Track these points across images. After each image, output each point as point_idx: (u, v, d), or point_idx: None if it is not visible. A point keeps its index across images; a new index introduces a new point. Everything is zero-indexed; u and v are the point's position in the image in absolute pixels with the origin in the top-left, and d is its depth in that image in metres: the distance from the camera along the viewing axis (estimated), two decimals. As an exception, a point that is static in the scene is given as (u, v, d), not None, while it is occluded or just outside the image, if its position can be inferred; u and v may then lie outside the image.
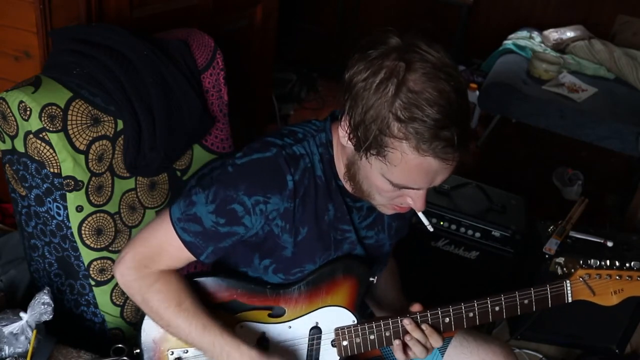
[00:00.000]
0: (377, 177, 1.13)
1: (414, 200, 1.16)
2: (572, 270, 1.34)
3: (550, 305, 1.34)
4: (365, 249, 1.36)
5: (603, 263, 1.34)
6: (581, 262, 1.35)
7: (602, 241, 2.20)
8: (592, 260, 1.35)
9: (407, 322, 1.31)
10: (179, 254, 1.23)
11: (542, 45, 3.99)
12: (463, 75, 4.97)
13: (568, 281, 1.33)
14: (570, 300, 1.34)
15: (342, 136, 1.16)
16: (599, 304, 1.36)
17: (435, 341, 1.31)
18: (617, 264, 1.35)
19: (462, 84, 1.06)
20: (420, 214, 1.25)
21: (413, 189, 1.14)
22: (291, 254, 1.28)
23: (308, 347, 1.36)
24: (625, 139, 3.26)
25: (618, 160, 3.71)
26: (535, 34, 4.13)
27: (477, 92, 3.76)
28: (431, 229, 1.30)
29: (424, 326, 1.31)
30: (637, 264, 1.36)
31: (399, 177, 1.10)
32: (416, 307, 1.33)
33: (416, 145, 1.04)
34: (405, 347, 1.32)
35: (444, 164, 1.07)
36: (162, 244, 1.24)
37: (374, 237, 1.38)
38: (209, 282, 1.32)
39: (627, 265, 1.35)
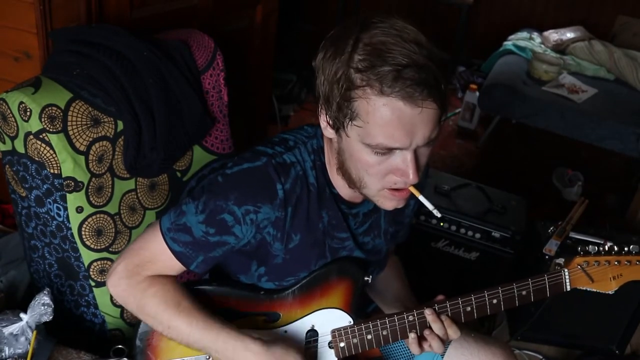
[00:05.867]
0: (359, 149, 1.10)
1: (404, 171, 1.10)
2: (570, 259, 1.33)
3: (548, 295, 1.31)
4: (363, 253, 1.35)
5: (601, 249, 1.33)
6: (579, 249, 1.33)
7: (602, 242, 2.19)
8: (591, 247, 1.34)
9: (428, 313, 1.28)
10: (169, 264, 1.23)
11: (542, 46, 3.99)
12: (463, 77, 4.90)
13: (566, 270, 1.31)
14: (568, 288, 1.32)
15: (324, 127, 1.15)
16: (598, 290, 1.34)
17: (454, 332, 1.28)
18: (615, 248, 1.33)
19: (425, 40, 1.05)
20: (422, 198, 1.18)
21: (396, 148, 1.08)
22: (282, 260, 1.27)
23: (305, 350, 1.35)
24: (626, 140, 3.27)
25: (618, 161, 3.70)
26: (535, 35, 4.13)
27: (477, 93, 3.77)
28: (438, 214, 1.23)
29: (443, 317, 1.29)
30: (636, 248, 1.35)
31: (375, 134, 1.06)
32: (440, 298, 1.31)
33: (380, 88, 1.02)
34: (420, 340, 1.30)
35: (415, 110, 1.02)
36: (153, 255, 1.23)
37: (370, 243, 1.37)
38: (202, 291, 1.31)
39: (626, 249, 1.33)
